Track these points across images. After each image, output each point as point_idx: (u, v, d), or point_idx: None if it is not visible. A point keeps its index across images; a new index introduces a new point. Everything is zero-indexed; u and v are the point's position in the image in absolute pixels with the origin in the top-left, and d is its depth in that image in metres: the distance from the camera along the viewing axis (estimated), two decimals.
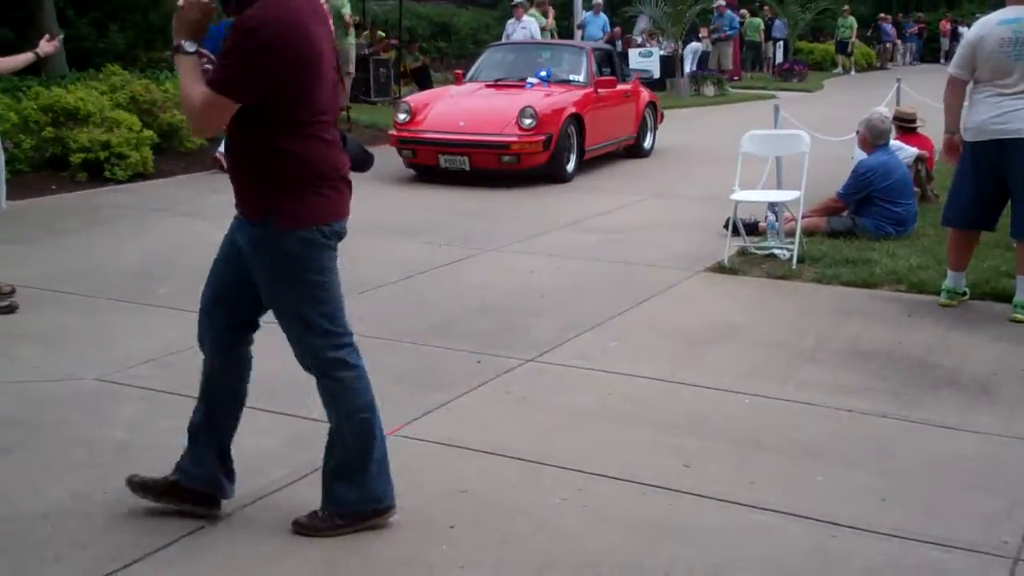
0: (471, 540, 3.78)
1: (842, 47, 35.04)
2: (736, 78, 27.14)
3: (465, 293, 7.13)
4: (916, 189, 9.27)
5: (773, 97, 20.99)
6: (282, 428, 4.75)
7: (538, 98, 11.96)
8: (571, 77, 13.00)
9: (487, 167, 11.49)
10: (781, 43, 33.36)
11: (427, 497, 4.10)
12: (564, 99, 12.15)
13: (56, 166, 10.89)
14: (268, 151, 3.51)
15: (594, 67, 13.22)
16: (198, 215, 9.62)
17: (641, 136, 14.33)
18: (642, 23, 27.46)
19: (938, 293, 6.94)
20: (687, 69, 25.85)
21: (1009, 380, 5.53)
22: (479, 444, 4.59)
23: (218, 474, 3.92)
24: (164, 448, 4.48)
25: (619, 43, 29.58)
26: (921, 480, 4.33)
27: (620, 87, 13.62)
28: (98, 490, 4.11)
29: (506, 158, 11.39)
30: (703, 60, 26.90)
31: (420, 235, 9.01)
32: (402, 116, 11.98)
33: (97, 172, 10.89)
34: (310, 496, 4.10)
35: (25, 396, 5.14)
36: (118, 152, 10.94)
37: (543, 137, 11.39)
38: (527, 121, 11.34)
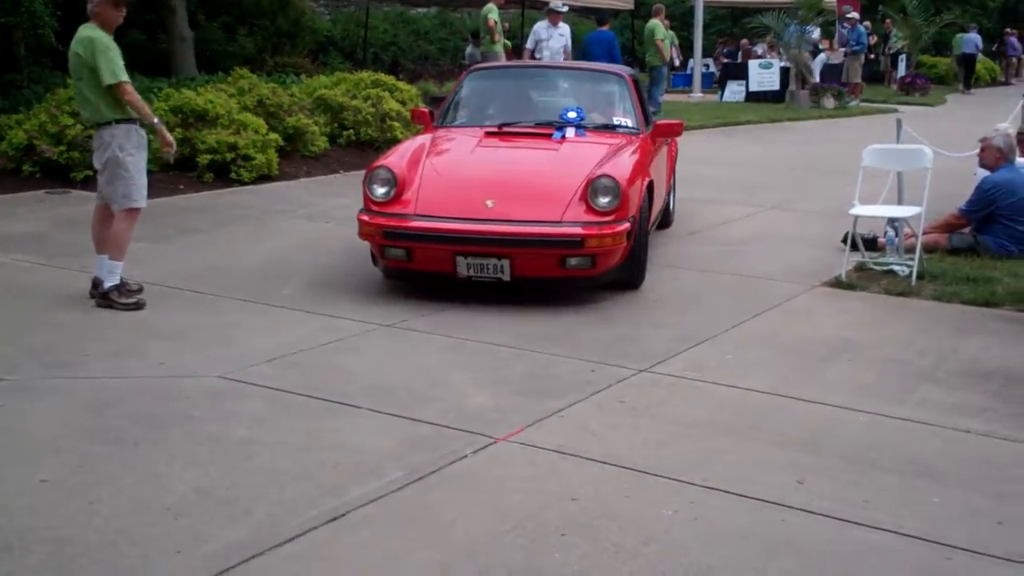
0: (582, 549, 3.81)
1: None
2: (858, 93, 26.63)
3: (580, 301, 7.16)
4: None
5: (894, 111, 20.64)
6: (399, 431, 4.84)
7: (602, 157, 7.42)
8: (617, 120, 8.49)
9: (539, 276, 6.93)
10: (903, 56, 32.71)
11: (540, 504, 4.15)
12: (635, 158, 7.56)
13: (184, 166, 11.20)
14: None
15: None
16: (320, 217, 9.83)
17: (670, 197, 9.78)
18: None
19: None
20: (814, 81, 25.46)
21: None
22: (591, 453, 4.63)
23: None
24: (285, 446, 4.64)
25: (739, 54, 29.41)
26: None
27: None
28: (220, 485, 4.24)
29: (574, 260, 6.81)
30: (824, 73, 26.48)
31: None
32: (380, 191, 7.04)
33: (223, 173, 11.15)
34: (427, 497, 4.20)
35: (152, 391, 5.32)
36: (244, 154, 11.19)
37: (627, 225, 6.95)
38: (603, 199, 6.86)
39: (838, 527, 4.03)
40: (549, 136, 7.90)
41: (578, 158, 7.47)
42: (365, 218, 7.04)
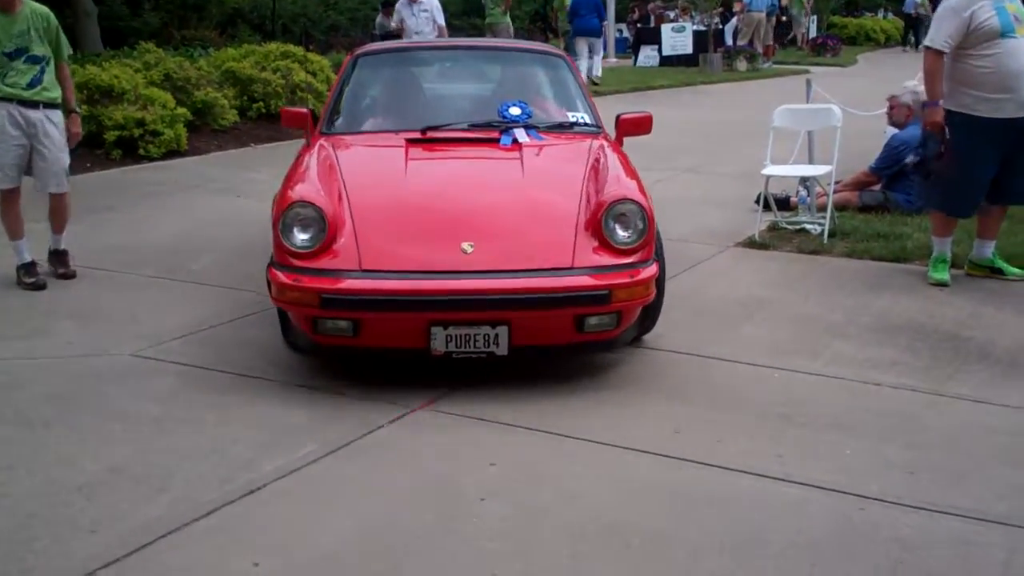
0: (501, 512, 3.82)
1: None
2: (770, 55, 26.92)
3: None
4: None
5: (806, 72, 20.85)
6: (314, 403, 4.81)
7: (589, 171, 5.53)
8: (575, 116, 6.46)
9: (547, 344, 5.07)
10: (814, 18, 33.10)
11: (458, 470, 4.14)
12: (630, 169, 5.74)
13: (91, 144, 10.97)
14: None
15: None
16: (231, 192, 9.71)
17: None
18: None
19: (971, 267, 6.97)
20: (727, 44, 25.68)
21: None
22: (509, 418, 4.62)
23: None
24: (199, 422, 4.58)
25: (651, 18, 29.52)
26: (950, 453, 4.35)
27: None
28: (133, 463, 4.18)
29: (595, 320, 4.97)
30: (735, 35, 26.74)
31: None
32: (302, 237, 4.97)
33: (131, 149, 10.97)
34: (344, 468, 4.17)
35: (62, 371, 5.22)
36: (152, 129, 11.01)
37: (655, 266, 5.18)
38: (627, 233, 5.10)
39: (754, 482, 4.07)
40: (495, 142, 5.90)
41: (555, 173, 5.68)
42: (286, 279, 4.90)
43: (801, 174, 8.42)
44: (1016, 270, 6.82)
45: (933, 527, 3.74)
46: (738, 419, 4.68)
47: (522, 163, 5.60)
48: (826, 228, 7.81)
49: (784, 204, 8.69)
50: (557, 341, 5.05)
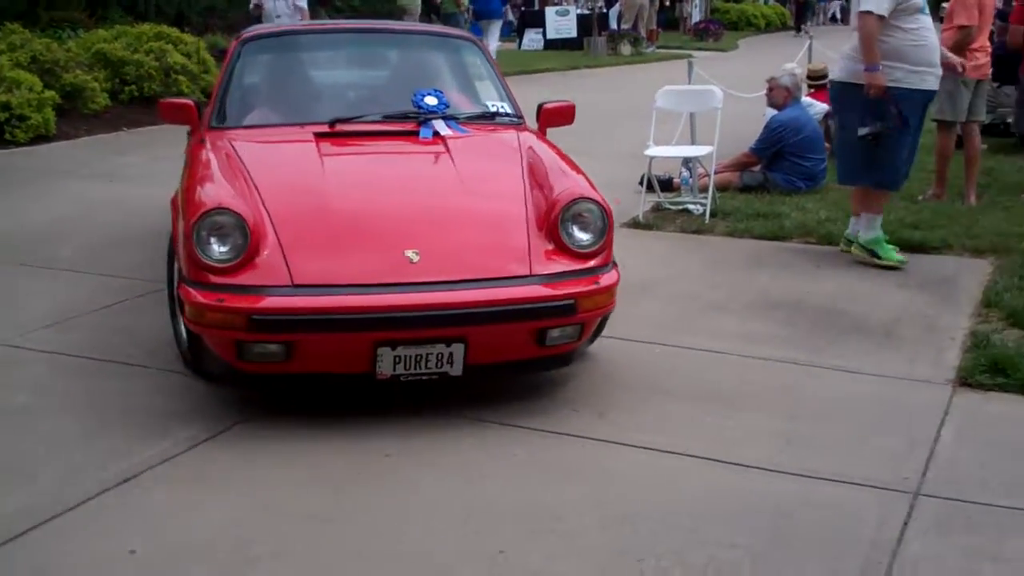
0: (379, 497, 3.80)
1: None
2: (653, 39, 27.20)
3: None
4: (827, 144, 9.37)
5: (689, 56, 21.08)
6: (188, 389, 4.67)
7: (530, 167, 5.12)
8: (494, 105, 5.96)
9: (504, 361, 4.57)
10: (698, 2, 33.57)
11: (347, 458, 4.10)
12: (570, 163, 5.39)
13: None
14: None
15: None
16: (103, 177, 9.43)
17: None
18: None
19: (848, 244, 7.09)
20: (612, 28, 25.86)
21: (912, 325, 5.66)
22: (398, 406, 4.54)
23: None
24: (67, 410, 4.45)
25: (536, 2, 29.59)
26: (826, 422, 4.43)
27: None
28: (3, 453, 4.05)
29: (557, 332, 4.48)
30: (619, 19, 26.97)
31: None
32: (221, 249, 4.26)
33: None
34: (220, 454, 4.09)
35: None
36: (19, 114, 10.64)
37: (615, 270, 4.72)
38: (587, 236, 4.66)
39: (636, 454, 4.11)
40: (414, 135, 5.32)
41: (491, 169, 5.19)
42: (205, 299, 4.20)
43: (683, 155, 8.50)
44: (890, 247, 6.96)
45: (810, 492, 3.81)
46: (622, 394, 4.70)
47: (451, 158, 5.08)
48: (708, 208, 7.89)
49: (667, 185, 8.75)
50: (516, 357, 4.56)
